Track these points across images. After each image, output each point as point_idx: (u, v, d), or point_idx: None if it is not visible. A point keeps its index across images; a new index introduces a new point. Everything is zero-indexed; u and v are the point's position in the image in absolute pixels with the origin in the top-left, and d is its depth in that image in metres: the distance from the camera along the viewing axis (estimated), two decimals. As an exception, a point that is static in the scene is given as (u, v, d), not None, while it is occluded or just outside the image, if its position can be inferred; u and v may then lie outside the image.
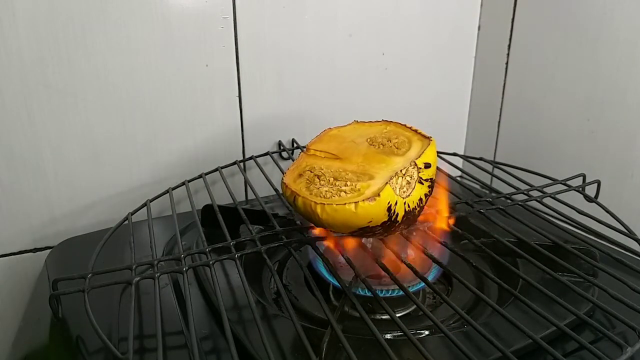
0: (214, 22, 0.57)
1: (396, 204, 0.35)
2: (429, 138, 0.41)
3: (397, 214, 0.36)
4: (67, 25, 0.51)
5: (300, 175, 0.40)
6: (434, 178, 0.39)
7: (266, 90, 0.63)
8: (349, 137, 0.44)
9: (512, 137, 0.72)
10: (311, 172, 0.39)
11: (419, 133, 0.42)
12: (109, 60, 0.54)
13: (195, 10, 0.56)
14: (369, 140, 0.42)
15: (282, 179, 0.40)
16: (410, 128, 0.43)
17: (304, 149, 0.44)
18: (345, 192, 0.36)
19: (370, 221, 0.35)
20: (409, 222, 0.38)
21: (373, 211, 0.34)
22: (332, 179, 0.38)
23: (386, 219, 0.35)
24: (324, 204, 0.35)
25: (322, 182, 0.38)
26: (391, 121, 0.45)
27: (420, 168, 0.38)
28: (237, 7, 0.58)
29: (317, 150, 0.43)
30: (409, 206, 0.37)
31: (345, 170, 0.39)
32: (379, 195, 0.34)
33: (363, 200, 0.34)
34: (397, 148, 0.40)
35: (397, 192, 0.36)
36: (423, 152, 0.39)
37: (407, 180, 0.37)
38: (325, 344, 0.33)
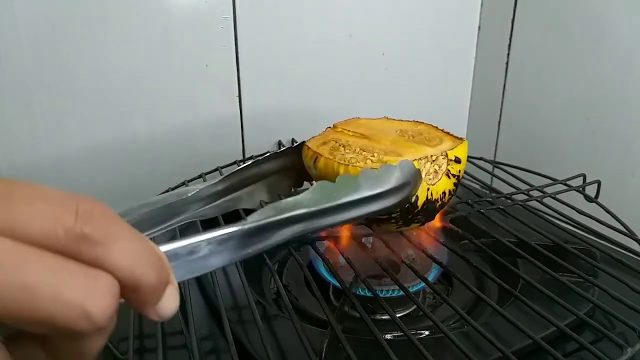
0: (214, 22, 0.57)
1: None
2: (461, 139, 0.40)
3: (418, 198, 0.35)
4: (67, 25, 0.51)
5: (324, 143, 0.38)
6: (460, 177, 0.38)
7: (266, 90, 0.63)
8: (378, 126, 0.43)
9: (512, 137, 0.71)
10: (337, 142, 0.38)
11: (451, 135, 0.41)
12: (109, 60, 0.54)
13: (195, 10, 0.56)
14: (399, 131, 0.42)
15: (305, 143, 0.39)
16: (442, 130, 0.42)
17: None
18: (371, 161, 0.35)
19: None
20: (427, 215, 0.37)
21: None
22: (358, 149, 0.37)
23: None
24: (349, 164, 0.34)
25: (347, 151, 0.37)
26: (423, 122, 0.44)
27: (450, 160, 0.37)
28: (237, 7, 0.58)
29: (345, 129, 0.42)
30: (432, 194, 0.36)
31: (372, 147, 0.38)
32: None
33: None
34: (427, 140, 0.40)
35: (423, 175, 0.35)
36: (455, 147, 0.38)
37: (435, 169, 0.36)
38: (325, 344, 0.33)
